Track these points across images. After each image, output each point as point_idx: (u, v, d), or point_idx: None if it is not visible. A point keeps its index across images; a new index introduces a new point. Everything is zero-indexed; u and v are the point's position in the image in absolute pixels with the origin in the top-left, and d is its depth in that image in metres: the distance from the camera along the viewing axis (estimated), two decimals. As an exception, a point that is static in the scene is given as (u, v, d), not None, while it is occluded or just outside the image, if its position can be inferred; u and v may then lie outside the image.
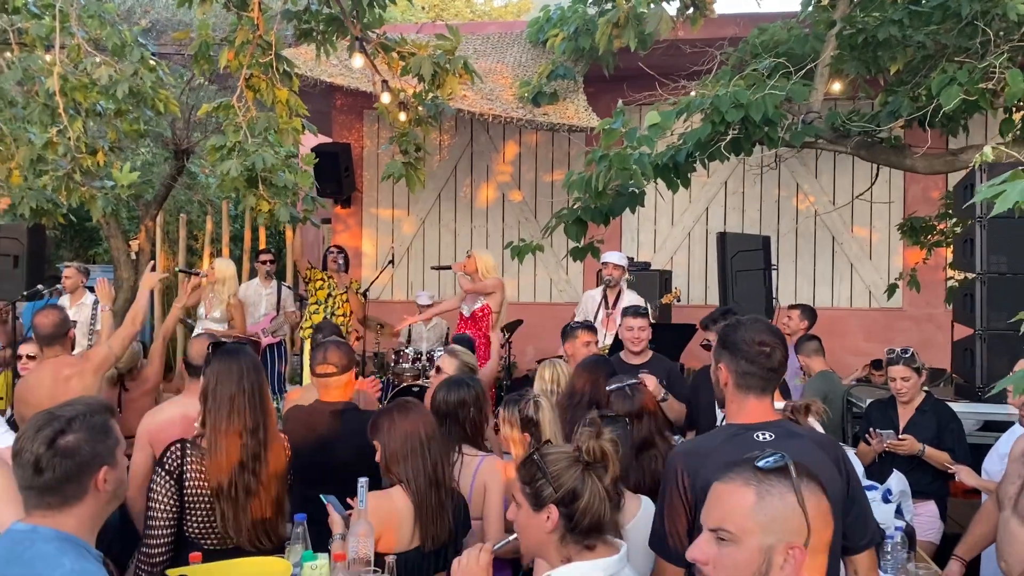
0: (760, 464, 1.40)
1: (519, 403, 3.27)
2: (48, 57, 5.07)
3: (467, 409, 3.24)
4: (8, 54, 5.66)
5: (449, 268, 7.39)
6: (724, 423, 2.30)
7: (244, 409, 2.84)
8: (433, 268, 8.53)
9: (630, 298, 6.35)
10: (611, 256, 6.42)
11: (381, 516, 2.70)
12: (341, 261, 7.59)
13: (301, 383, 8.02)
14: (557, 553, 1.98)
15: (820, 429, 2.88)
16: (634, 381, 3.31)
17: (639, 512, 2.67)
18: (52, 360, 4.03)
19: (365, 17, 4.67)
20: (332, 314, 7.45)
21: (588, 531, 1.96)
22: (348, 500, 2.75)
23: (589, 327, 4.96)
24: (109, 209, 5.20)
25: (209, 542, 2.84)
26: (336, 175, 9.19)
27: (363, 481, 2.68)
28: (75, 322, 6.69)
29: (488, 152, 10.02)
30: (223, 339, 3.26)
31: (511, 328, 8.14)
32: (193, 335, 7.37)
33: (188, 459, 2.83)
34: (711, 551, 1.40)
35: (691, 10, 5.69)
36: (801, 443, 2.20)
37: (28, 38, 5.03)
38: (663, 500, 2.23)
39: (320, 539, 2.81)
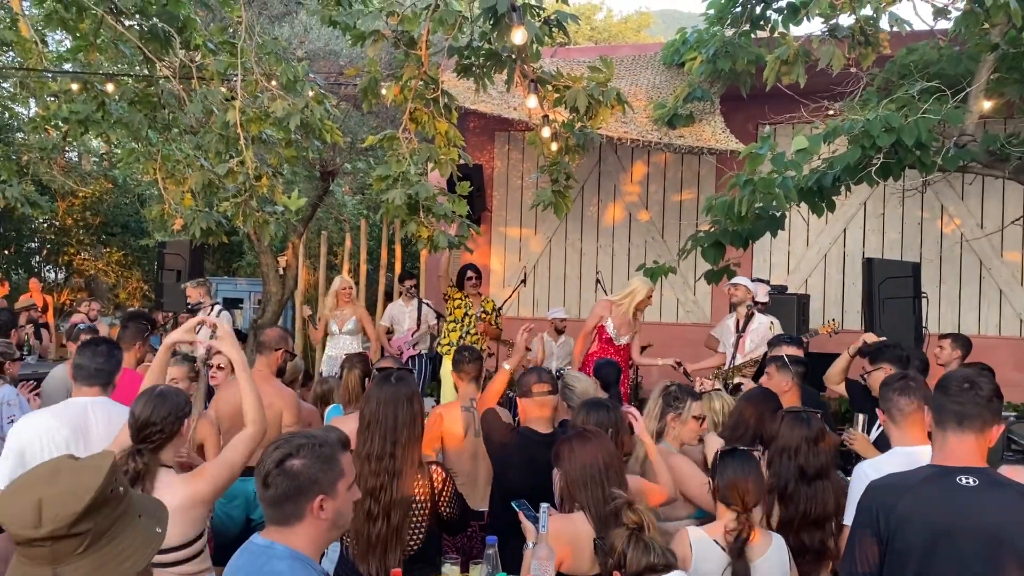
0: None
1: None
2: (223, 89, 5.47)
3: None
4: (181, 86, 6.14)
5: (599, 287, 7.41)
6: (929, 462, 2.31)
7: (375, 436, 2.96)
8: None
9: (760, 320, 6.35)
10: (738, 279, 6.46)
11: (564, 539, 2.79)
12: (476, 280, 7.79)
13: (433, 395, 8.28)
14: None
15: None
16: (810, 409, 3.34)
17: (769, 549, 2.80)
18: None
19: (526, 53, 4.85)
20: (468, 332, 7.67)
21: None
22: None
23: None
24: (280, 234, 5.57)
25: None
26: (468, 195, 9.43)
27: (545, 507, 2.78)
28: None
29: (616, 172, 10.07)
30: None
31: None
32: (327, 349, 7.91)
33: None
34: None
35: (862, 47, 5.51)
36: (1007, 494, 2.17)
37: (208, 73, 5.44)
38: (856, 531, 2.30)
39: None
